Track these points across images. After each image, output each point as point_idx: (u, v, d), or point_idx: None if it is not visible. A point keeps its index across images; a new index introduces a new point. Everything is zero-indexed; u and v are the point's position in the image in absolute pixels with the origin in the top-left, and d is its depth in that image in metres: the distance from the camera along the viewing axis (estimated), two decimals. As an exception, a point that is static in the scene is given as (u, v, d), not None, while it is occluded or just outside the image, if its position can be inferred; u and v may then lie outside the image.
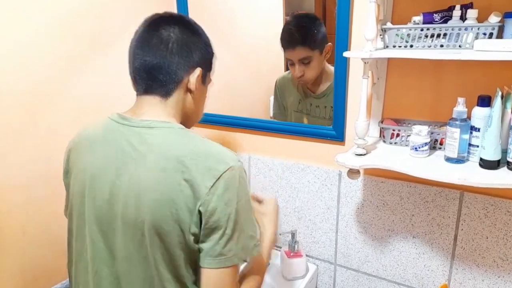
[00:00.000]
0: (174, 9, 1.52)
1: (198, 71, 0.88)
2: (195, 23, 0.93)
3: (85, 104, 1.25)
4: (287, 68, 1.43)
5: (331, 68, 1.27)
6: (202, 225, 0.77)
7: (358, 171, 1.08)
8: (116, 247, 0.83)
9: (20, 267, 1.15)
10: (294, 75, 1.39)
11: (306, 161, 1.39)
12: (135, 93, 0.92)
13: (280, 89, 1.48)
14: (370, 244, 1.34)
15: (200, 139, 0.83)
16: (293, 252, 1.38)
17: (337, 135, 1.29)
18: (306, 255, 1.45)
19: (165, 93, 0.86)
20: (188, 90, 0.89)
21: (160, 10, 1.46)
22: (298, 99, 1.43)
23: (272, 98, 1.48)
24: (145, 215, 0.78)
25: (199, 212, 0.76)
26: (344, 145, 1.30)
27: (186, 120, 0.92)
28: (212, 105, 1.57)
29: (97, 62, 1.27)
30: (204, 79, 0.93)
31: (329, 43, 1.28)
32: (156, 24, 0.87)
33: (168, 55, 0.84)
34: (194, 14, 1.50)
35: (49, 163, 1.18)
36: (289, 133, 1.40)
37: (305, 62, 1.35)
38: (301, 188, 1.43)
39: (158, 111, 0.86)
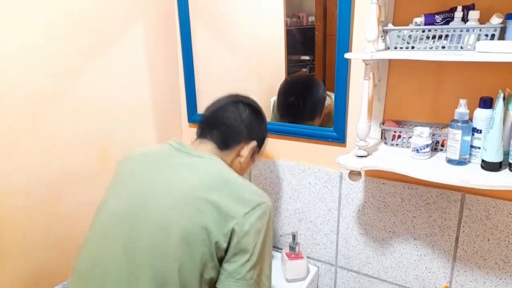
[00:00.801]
0: (175, 10, 1.52)
1: (253, 143, 1.06)
2: (262, 111, 1.12)
3: (86, 106, 1.25)
4: (288, 71, 1.43)
5: (329, 99, 1.28)
6: (232, 244, 0.83)
7: (359, 173, 1.08)
8: (135, 246, 0.85)
9: (21, 270, 1.14)
10: None
11: (307, 162, 1.39)
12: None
13: (276, 113, 1.48)
14: (371, 246, 1.33)
15: (240, 176, 0.96)
16: (294, 253, 1.37)
17: (338, 137, 1.29)
18: (307, 257, 1.44)
19: (222, 146, 1.02)
20: (239, 155, 1.05)
21: (160, 11, 1.47)
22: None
23: (272, 99, 1.47)
24: (179, 219, 0.84)
25: (233, 230, 0.83)
26: (345, 146, 1.30)
27: None
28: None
29: (97, 62, 1.26)
30: (253, 154, 1.08)
31: (329, 104, 1.28)
32: (237, 99, 1.08)
33: (239, 122, 1.04)
34: (195, 15, 1.50)
35: (49, 166, 1.18)
36: (290, 135, 1.40)
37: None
38: (302, 190, 1.42)
39: (211, 152, 1.01)
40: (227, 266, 0.84)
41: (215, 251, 0.83)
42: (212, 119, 1.05)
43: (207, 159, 0.95)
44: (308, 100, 1.38)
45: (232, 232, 0.83)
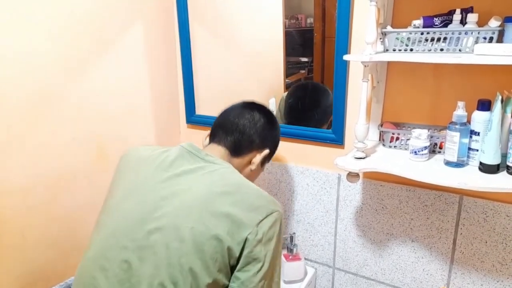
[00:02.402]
0: (174, 11, 1.52)
1: (266, 151, 1.06)
2: (276, 120, 1.13)
3: (85, 106, 1.25)
4: (286, 72, 1.43)
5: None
6: (245, 253, 0.83)
7: (357, 175, 1.08)
8: (149, 250, 0.83)
9: (19, 270, 1.14)
10: None
11: (305, 164, 1.39)
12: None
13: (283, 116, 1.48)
14: (369, 247, 1.33)
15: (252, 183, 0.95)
16: (291, 255, 1.37)
17: (337, 138, 1.29)
18: (305, 259, 1.44)
19: (234, 152, 1.02)
20: (251, 162, 1.05)
21: (160, 11, 1.47)
22: None
23: (271, 100, 1.47)
24: (193, 222, 0.83)
25: (247, 239, 0.82)
26: (343, 148, 1.30)
27: None
28: (212, 107, 1.58)
29: (96, 63, 1.26)
30: (264, 162, 1.09)
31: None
32: (252, 107, 1.08)
33: (253, 130, 1.03)
34: (194, 15, 1.50)
35: (48, 166, 1.17)
36: (288, 136, 1.39)
37: None
38: (300, 191, 1.42)
39: (223, 158, 1.00)
40: (240, 275, 0.84)
41: (228, 259, 0.83)
42: (226, 124, 1.04)
43: (220, 166, 0.94)
44: (320, 108, 1.37)
45: (246, 241, 0.82)
